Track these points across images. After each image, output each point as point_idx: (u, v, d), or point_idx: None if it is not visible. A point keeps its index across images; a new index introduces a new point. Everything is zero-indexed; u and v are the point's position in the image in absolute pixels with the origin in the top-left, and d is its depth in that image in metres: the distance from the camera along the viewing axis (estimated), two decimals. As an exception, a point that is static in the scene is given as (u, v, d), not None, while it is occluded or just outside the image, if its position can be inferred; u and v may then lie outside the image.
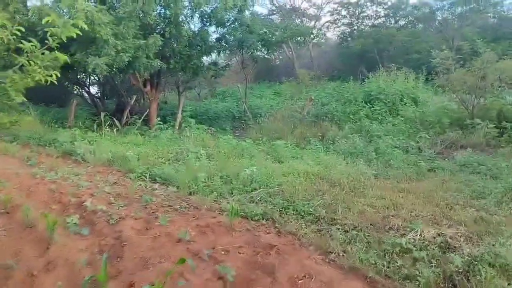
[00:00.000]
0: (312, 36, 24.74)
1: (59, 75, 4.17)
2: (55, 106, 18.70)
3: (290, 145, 10.77)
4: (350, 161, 8.85)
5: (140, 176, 7.39)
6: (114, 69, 10.84)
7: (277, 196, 5.96)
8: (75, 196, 5.81)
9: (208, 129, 12.23)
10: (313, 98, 15.91)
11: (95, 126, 12.02)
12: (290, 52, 31.13)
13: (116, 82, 17.92)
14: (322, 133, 13.02)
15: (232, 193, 6.29)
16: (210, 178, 7.14)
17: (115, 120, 12.27)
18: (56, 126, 13.22)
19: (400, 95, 15.23)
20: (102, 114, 12.06)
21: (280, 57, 34.86)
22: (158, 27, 12.36)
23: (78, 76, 15.95)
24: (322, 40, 34.15)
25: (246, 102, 16.15)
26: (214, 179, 6.94)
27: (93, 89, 21.46)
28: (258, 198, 5.95)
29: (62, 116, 15.06)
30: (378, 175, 7.61)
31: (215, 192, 6.25)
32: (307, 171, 7.69)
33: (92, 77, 18.54)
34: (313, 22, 33.29)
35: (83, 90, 18.85)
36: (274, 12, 33.31)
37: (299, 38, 20.84)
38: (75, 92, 21.33)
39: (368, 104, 15.35)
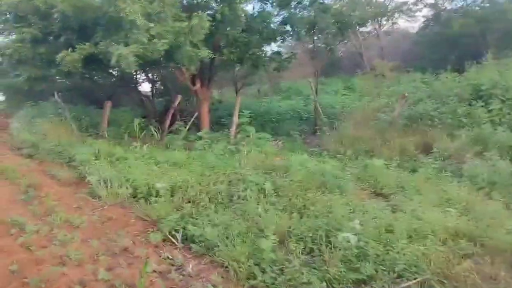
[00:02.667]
0: (394, 17, 20.66)
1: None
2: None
3: (391, 165, 7.45)
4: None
5: (166, 238, 4.57)
6: (147, 61, 8.11)
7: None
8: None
9: (273, 140, 9.15)
10: (407, 95, 12.20)
11: (126, 136, 9.40)
12: (357, 41, 27.01)
13: (165, 78, 15.45)
14: (425, 143, 9.51)
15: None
16: (281, 244, 4.17)
17: (152, 129, 9.58)
18: (88, 134, 10.88)
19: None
20: (136, 120, 9.43)
21: (343, 48, 30.73)
22: (208, 6, 9.47)
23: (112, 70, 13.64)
24: (396, 26, 29.57)
25: (317, 101, 12.87)
26: (290, 247, 3.98)
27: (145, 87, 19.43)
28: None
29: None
30: None
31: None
32: (449, 230, 4.47)
33: (138, 73, 16.23)
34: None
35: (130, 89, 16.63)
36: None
37: (377, 20, 17.05)
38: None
39: (477, 101, 11.40)
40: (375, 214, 4.95)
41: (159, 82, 17.20)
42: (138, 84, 16.70)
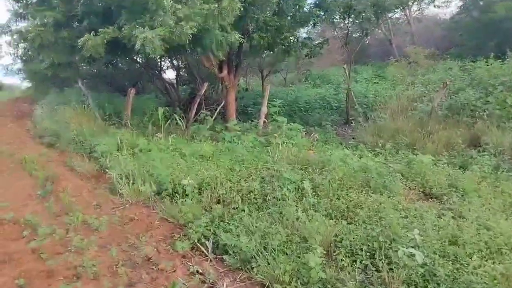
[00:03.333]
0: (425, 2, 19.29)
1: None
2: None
3: (439, 161, 6.67)
4: None
5: (195, 247, 4.02)
6: (173, 46, 7.51)
7: None
8: None
9: (304, 131, 8.44)
10: (448, 83, 11.25)
11: (150, 126, 8.89)
12: (386, 28, 25.64)
13: (190, 65, 14.87)
14: (472, 136, 8.69)
15: None
16: (328, 256, 3.58)
17: (177, 118, 9.01)
18: (111, 122, 10.44)
19: None
20: (160, 109, 8.89)
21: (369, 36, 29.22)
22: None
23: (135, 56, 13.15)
24: (426, 12, 27.94)
25: (351, 89, 11.99)
26: (340, 261, 3.41)
27: (169, 74, 18.95)
28: None
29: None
30: None
31: None
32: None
33: (162, 60, 15.70)
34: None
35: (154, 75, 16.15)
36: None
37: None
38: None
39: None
40: (434, 221, 4.26)
41: (184, 69, 16.62)
42: (162, 71, 16.18)
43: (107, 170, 6.31)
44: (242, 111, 13.69)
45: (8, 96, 26.17)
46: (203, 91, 9.32)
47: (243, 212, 4.58)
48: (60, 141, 8.97)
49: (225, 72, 10.67)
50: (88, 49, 7.57)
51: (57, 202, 5.23)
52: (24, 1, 9.38)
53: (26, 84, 24.72)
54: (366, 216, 4.43)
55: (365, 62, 25.00)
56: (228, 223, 4.37)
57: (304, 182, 5.02)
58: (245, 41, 8.25)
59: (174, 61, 16.31)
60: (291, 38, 9.22)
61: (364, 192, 5.12)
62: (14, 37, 10.32)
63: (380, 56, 25.73)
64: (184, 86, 18.10)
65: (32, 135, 10.45)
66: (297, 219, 4.27)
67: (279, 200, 4.83)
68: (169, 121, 9.13)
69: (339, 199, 4.90)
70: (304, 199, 4.89)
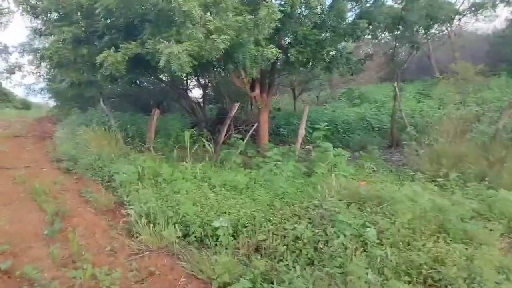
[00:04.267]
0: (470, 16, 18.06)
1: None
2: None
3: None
4: None
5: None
6: (201, 63, 6.69)
7: None
8: None
9: (352, 157, 7.39)
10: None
11: (175, 152, 8.03)
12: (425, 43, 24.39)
13: (218, 83, 14.14)
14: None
15: None
16: None
17: (205, 141, 8.08)
18: (133, 145, 9.68)
19: None
20: (187, 132, 8.03)
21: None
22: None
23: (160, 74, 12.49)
24: (467, 27, 26.55)
25: (399, 109, 10.79)
26: None
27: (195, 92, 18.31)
28: None
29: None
30: None
31: None
32: None
33: (188, 78, 15.03)
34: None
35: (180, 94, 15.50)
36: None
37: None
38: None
39: None
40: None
41: (210, 88, 15.91)
42: (188, 90, 15.51)
43: (125, 204, 5.45)
44: (273, 132, 12.76)
45: (35, 115, 26.14)
46: (233, 112, 8.43)
47: (292, 269, 3.58)
48: (78, 166, 8.22)
49: (257, 91, 9.80)
50: (108, 67, 6.84)
51: (64, 245, 4.36)
52: (43, 17, 8.80)
53: (52, 103, 24.67)
54: (453, 277, 3.37)
55: (402, 79, 23.73)
56: (274, 284, 3.37)
57: (367, 228, 4.00)
58: (282, 56, 7.33)
59: (201, 79, 15.65)
60: (333, 53, 8.26)
61: (441, 240, 4.04)
62: (37, 55, 9.80)
63: (415, 72, 24.38)
64: (210, 106, 17.40)
65: (50, 159, 9.77)
66: (366, 283, 3.24)
67: (336, 251, 3.81)
68: (196, 145, 8.23)
69: (412, 251, 3.85)
70: (366, 249, 3.87)
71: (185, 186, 5.80)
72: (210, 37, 6.12)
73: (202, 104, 15.41)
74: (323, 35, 8.10)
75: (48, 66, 11.54)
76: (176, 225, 4.54)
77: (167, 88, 17.64)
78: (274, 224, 4.43)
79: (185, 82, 16.01)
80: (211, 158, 8.14)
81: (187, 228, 4.56)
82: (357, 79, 23.67)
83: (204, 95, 15.83)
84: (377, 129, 11.96)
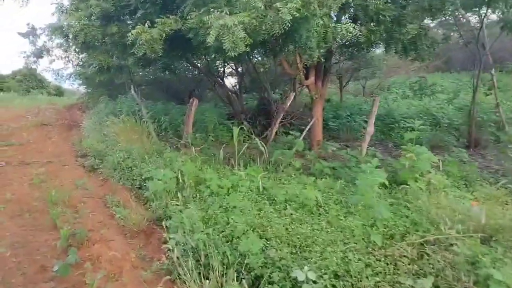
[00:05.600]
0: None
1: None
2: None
3: None
4: None
5: None
6: (259, 42, 5.23)
7: None
8: None
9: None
10: None
11: (221, 153, 6.63)
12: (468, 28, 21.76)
13: (257, 70, 12.71)
14: None
15: None
16: None
17: (258, 141, 6.56)
18: (167, 140, 8.42)
19: None
20: (236, 128, 6.58)
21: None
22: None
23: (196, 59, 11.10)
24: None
25: (497, 103, 8.99)
26: None
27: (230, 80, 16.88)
28: None
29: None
30: None
31: None
32: None
33: (225, 63, 13.65)
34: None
35: (215, 82, 14.16)
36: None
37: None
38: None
39: None
40: None
41: (246, 75, 14.39)
42: (225, 77, 14.09)
43: (161, 223, 4.14)
44: (327, 126, 11.22)
45: (66, 102, 25.52)
46: (289, 103, 6.96)
47: None
48: (104, 164, 7.02)
49: (312, 78, 8.28)
50: (142, 46, 5.50)
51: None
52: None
53: (83, 90, 23.87)
54: None
55: (448, 69, 21.55)
56: None
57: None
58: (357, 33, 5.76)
59: (238, 65, 14.21)
60: (414, 31, 6.58)
61: None
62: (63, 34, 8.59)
63: (461, 62, 21.96)
64: (245, 95, 15.94)
65: (75, 153, 8.65)
66: None
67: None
68: (246, 144, 6.81)
69: None
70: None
71: (238, 201, 4.42)
72: (273, 5, 4.65)
73: (239, 93, 14.01)
74: (401, 10, 6.45)
75: (77, 50, 10.38)
76: (238, 270, 3.16)
77: (200, 76, 16.38)
78: (382, 276, 3.00)
79: (221, 68, 14.68)
80: (261, 160, 6.74)
81: (251, 272, 3.18)
82: (405, 67, 21.68)
83: (241, 83, 14.40)
84: (445, 125, 10.21)
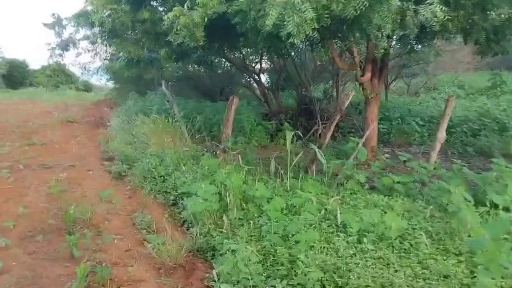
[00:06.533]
0: None
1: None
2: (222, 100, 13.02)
3: None
4: None
5: None
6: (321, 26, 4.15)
7: None
8: None
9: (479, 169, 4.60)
10: None
11: (272, 165, 5.53)
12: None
13: (296, 64, 11.67)
14: None
15: None
16: None
17: (318, 152, 5.36)
18: (202, 142, 7.50)
19: None
20: (289, 133, 5.43)
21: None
22: None
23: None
24: None
25: None
26: None
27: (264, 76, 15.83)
28: None
29: (221, 119, 9.12)
30: None
31: None
32: None
33: (262, 57, 12.64)
34: None
35: (251, 78, 13.18)
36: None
37: None
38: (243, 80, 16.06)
39: None
40: None
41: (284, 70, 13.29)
42: (262, 73, 13.04)
43: (206, 257, 3.19)
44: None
45: (94, 98, 25.13)
46: (346, 104, 5.89)
47: None
48: (133, 171, 6.15)
49: (368, 74, 7.17)
50: (179, 33, 4.56)
51: None
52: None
53: (111, 85, 23.40)
54: None
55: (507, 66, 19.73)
56: None
57: None
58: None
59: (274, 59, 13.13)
60: (505, 16, 5.38)
61: None
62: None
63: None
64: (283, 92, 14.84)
65: (100, 155, 7.85)
66: None
67: None
68: (300, 153, 5.70)
69: None
70: None
71: (301, 231, 3.41)
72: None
73: (277, 91, 12.98)
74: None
75: (103, 39, 9.56)
76: None
77: (232, 71, 15.43)
78: None
79: (257, 63, 13.68)
80: (312, 168, 5.69)
81: None
82: (452, 64, 20.03)
83: (278, 80, 13.36)
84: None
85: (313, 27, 3.71)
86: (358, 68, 6.86)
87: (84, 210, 4.31)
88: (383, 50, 5.45)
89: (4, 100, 18.00)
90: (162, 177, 5.48)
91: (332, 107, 10.97)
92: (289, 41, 3.80)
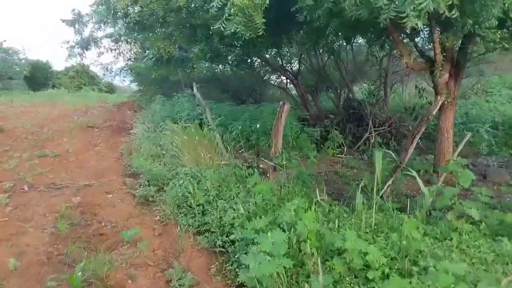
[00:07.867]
0: None
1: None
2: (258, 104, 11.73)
3: None
4: None
5: None
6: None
7: None
8: None
9: None
10: None
11: (359, 197, 4.14)
12: None
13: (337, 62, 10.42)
14: None
15: None
16: None
17: (417, 176, 3.98)
18: (242, 153, 6.26)
19: None
20: (379, 153, 4.04)
21: None
22: None
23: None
24: None
25: None
26: None
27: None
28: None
29: (262, 127, 7.78)
30: None
31: None
32: None
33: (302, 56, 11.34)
34: None
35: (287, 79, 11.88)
36: None
37: None
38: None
39: None
40: None
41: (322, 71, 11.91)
42: (299, 74, 11.71)
43: None
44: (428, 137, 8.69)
45: (116, 100, 24.23)
46: (435, 110, 4.56)
47: None
48: (163, 196, 4.94)
49: (446, 76, 5.82)
50: (233, 17, 3.33)
51: None
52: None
53: (134, 87, 22.47)
54: None
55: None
56: None
57: None
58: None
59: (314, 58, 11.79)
60: None
61: None
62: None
63: None
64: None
65: (122, 170, 6.68)
66: None
67: None
68: (380, 170, 4.32)
69: None
70: None
71: None
72: None
73: (316, 94, 11.68)
74: None
75: (130, 39, 8.47)
76: None
77: (261, 73, 14.16)
78: None
79: (295, 64, 12.39)
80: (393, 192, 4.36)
81: None
82: (500, 65, 18.30)
83: (318, 81, 12.04)
84: None
85: (450, 2, 2.40)
86: (440, 67, 5.49)
87: (98, 264, 3.10)
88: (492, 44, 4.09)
89: (24, 102, 17.20)
90: (201, 207, 4.24)
91: (382, 111, 9.58)
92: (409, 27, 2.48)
